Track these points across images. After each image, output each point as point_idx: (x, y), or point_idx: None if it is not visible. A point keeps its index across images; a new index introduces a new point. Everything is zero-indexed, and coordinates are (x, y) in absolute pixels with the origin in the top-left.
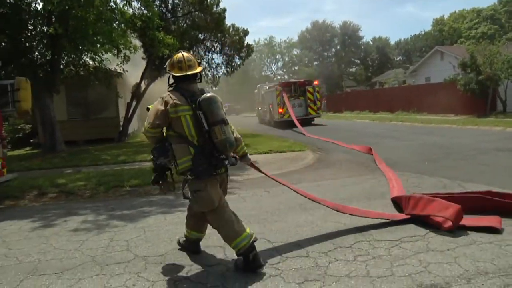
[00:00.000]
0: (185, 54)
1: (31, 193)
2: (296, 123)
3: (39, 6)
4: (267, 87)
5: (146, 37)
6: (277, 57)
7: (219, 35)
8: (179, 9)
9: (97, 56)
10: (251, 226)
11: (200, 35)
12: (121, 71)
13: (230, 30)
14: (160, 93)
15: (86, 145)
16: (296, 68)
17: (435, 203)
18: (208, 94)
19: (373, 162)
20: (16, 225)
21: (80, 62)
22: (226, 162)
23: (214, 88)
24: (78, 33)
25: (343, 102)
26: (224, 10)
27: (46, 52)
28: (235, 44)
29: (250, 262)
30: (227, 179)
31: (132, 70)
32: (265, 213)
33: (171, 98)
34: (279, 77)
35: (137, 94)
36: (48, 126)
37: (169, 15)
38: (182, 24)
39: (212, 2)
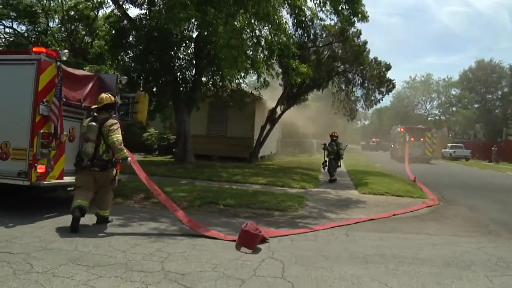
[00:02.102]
0: (102, 95)
1: (139, 195)
2: (406, 160)
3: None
4: (398, 129)
5: (281, 64)
6: (433, 95)
7: (360, 68)
8: (321, 39)
9: (233, 79)
10: (291, 268)
11: (341, 66)
12: (259, 95)
13: (372, 63)
14: (293, 118)
15: (218, 161)
16: (453, 109)
17: None
18: (90, 123)
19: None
20: None
21: (220, 83)
22: (83, 164)
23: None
24: (216, 56)
25: (502, 151)
26: (365, 43)
27: (188, 72)
28: (374, 78)
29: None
30: (105, 178)
31: (270, 95)
32: (315, 257)
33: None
34: (433, 118)
35: (272, 118)
36: (182, 138)
37: (310, 44)
38: (323, 54)
39: (353, 34)
